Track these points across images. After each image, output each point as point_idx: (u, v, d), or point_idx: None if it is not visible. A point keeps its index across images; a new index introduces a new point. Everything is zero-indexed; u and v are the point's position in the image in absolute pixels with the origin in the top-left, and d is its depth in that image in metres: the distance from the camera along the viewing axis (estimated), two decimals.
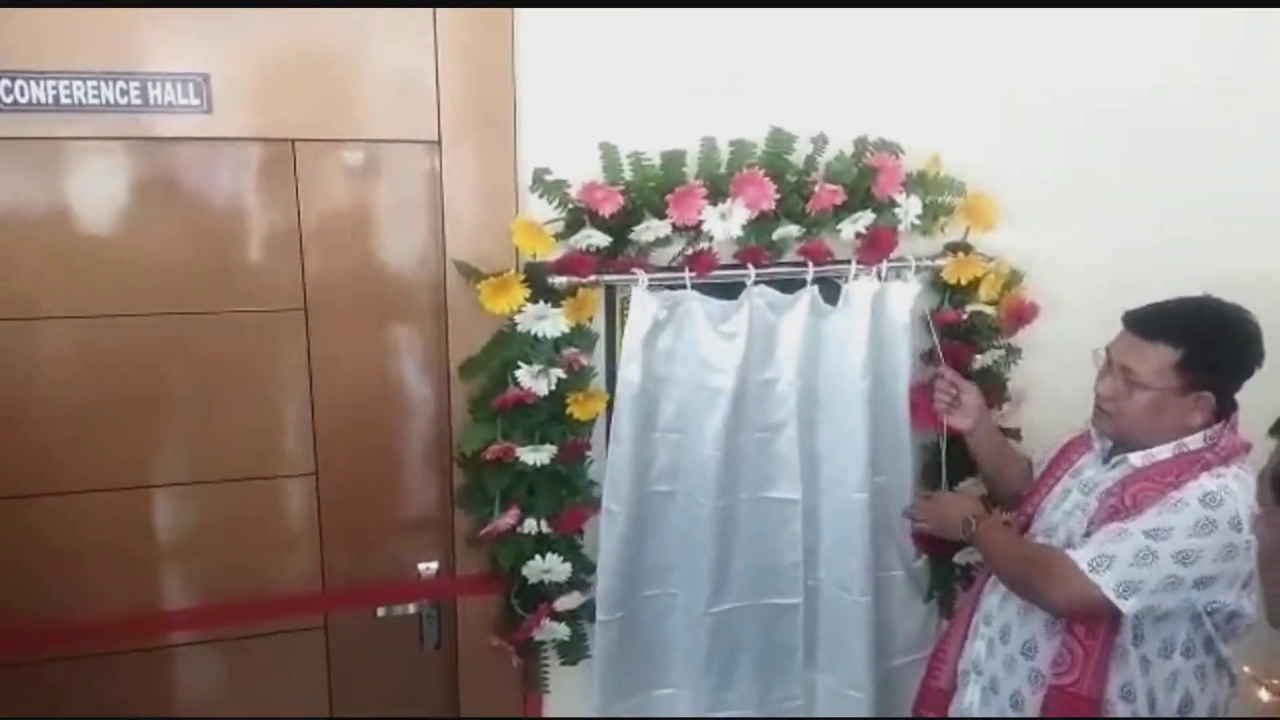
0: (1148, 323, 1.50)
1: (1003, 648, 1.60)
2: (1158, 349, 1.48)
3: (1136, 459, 1.53)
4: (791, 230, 1.73)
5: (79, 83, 1.44)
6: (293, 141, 1.60)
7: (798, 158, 1.74)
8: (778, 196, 1.69)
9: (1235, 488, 1.46)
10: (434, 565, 1.81)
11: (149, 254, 1.60)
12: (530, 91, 1.63)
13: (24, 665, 1.67)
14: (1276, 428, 1.97)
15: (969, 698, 1.66)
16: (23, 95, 1.42)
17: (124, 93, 1.46)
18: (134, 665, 1.74)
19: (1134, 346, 1.50)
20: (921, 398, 1.87)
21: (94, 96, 1.45)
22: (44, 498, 1.63)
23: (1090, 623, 1.48)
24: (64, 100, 1.44)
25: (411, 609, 1.81)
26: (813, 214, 1.73)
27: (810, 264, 1.75)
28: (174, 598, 1.73)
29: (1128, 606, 1.41)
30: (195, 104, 1.48)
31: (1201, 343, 1.47)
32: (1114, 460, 1.57)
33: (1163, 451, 1.51)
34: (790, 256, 1.78)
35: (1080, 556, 1.44)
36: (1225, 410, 1.52)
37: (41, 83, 1.43)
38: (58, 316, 1.58)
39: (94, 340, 1.60)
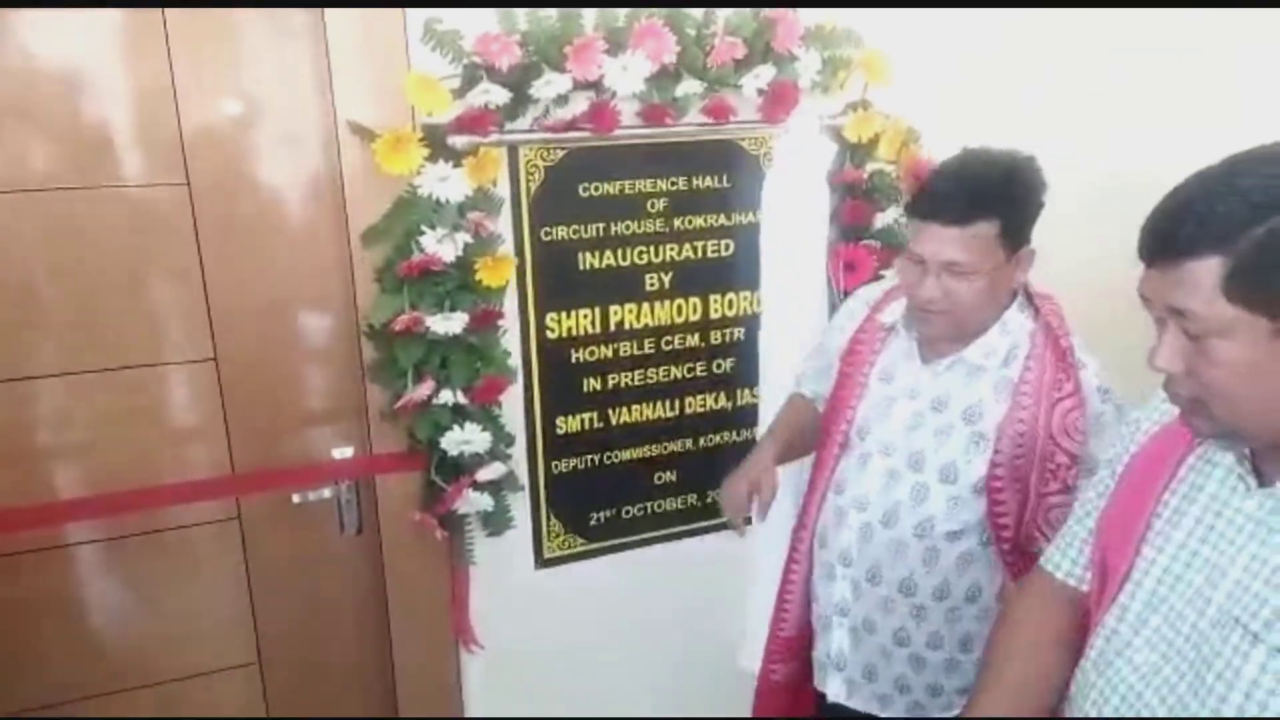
0: (950, 206, 1.33)
1: (873, 589, 1.49)
2: (976, 229, 1.32)
3: (975, 356, 1.42)
4: (694, 86, 1.71)
5: None
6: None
7: (696, 12, 1.71)
8: (678, 49, 1.67)
9: (1092, 363, 1.41)
10: (348, 450, 1.77)
11: (23, 129, 1.48)
12: None
13: None
14: None
15: (836, 643, 1.55)
16: None
17: None
18: (42, 564, 1.66)
19: (949, 238, 1.33)
20: (843, 257, 1.92)
21: None
22: None
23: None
24: None
25: (327, 493, 1.77)
26: (713, 69, 1.72)
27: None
28: (76, 492, 1.64)
29: None
30: None
31: (1012, 201, 1.34)
32: (947, 362, 1.44)
33: (996, 340, 1.41)
34: (693, 118, 1.77)
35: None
36: None
37: None
38: None
39: None
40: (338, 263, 1.67)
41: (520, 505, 1.86)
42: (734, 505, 1.58)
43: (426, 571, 1.83)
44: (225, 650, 1.82)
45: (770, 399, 1.88)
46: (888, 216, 1.96)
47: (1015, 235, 1.36)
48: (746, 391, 1.99)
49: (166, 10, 1.51)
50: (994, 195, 1.33)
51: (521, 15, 1.59)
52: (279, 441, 1.75)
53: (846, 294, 1.89)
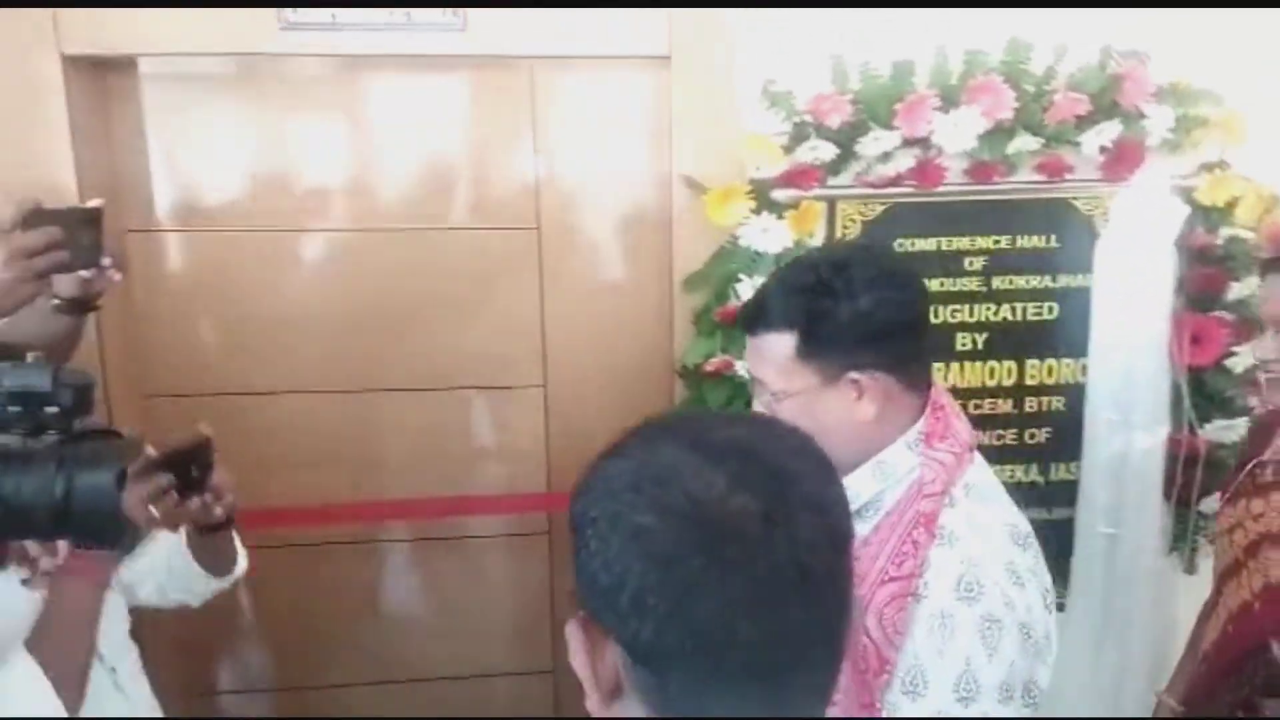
0: (746, 311, 1.09)
1: None
2: (764, 339, 1.03)
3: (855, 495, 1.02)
4: (1029, 143, 1.66)
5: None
6: (531, 59, 1.69)
7: (1036, 67, 1.66)
8: (1015, 105, 1.63)
9: (974, 546, 0.96)
10: None
11: (396, 173, 1.74)
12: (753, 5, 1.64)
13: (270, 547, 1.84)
14: None
15: None
16: (302, 16, 1.56)
17: (390, 13, 1.58)
18: (362, 556, 1.90)
19: (749, 349, 1.06)
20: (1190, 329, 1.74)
21: (363, 16, 1.58)
22: (289, 395, 1.80)
23: None
24: (339, 19, 1.57)
25: None
26: (1052, 125, 1.65)
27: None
28: (404, 493, 1.86)
29: None
30: (453, 22, 1.59)
31: (809, 311, 1.00)
32: None
33: (863, 483, 1.02)
34: (1024, 175, 1.71)
35: None
36: (914, 384, 1.03)
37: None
38: (316, 230, 1.75)
39: (344, 253, 1.76)
40: (660, 305, 1.78)
41: None
42: None
43: None
44: (523, 655, 1.96)
45: (1092, 477, 1.73)
46: (1244, 287, 1.76)
47: (823, 353, 1.00)
48: (1063, 466, 1.85)
49: (535, 64, 1.71)
50: (788, 303, 1.01)
51: (854, 73, 1.63)
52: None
53: (1190, 368, 1.71)
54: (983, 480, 1.04)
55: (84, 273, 1.17)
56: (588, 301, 1.82)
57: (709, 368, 1.69)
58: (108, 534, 0.94)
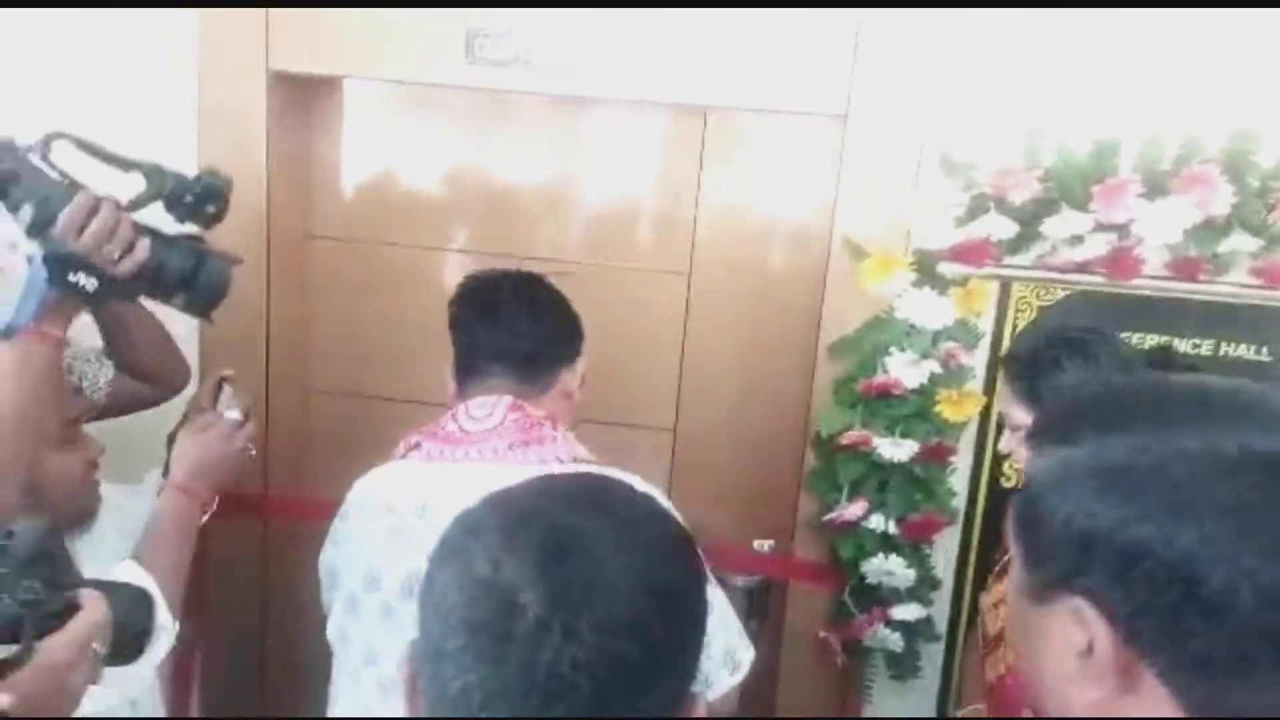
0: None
1: None
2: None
3: None
4: (1246, 243, 1.46)
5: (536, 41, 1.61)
6: (705, 109, 1.66)
7: (1264, 159, 1.46)
8: (1234, 200, 1.44)
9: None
10: (770, 542, 1.80)
11: (555, 204, 1.76)
12: (943, 67, 1.53)
13: None
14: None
15: None
16: (489, 52, 1.61)
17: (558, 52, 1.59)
18: None
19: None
20: None
21: (547, 58, 1.60)
22: (429, 406, 1.85)
23: None
24: (520, 56, 1.60)
25: (739, 580, 1.81)
26: (1276, 225, 1.45)
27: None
28: None
29: None
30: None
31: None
32: None
33: None
34: (1236, 276, 1.51)
35: None
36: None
37: (504, 39, 1.60)
38: (467, 250, 1.80)
39: None
40: (801, 366, 1.71)
41: (933, 656, 1.72)
42: None
43: (818, 682, 1.77)
44: None
45: None
46: None
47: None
48: None
49: (709, 114, 1.68)
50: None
51: (1047, 149, 1.49)
52: (709, 514, 1.83)
53: None
54: None
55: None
56: (729, 353, 1.77)
57: (844, 440, 1.60)
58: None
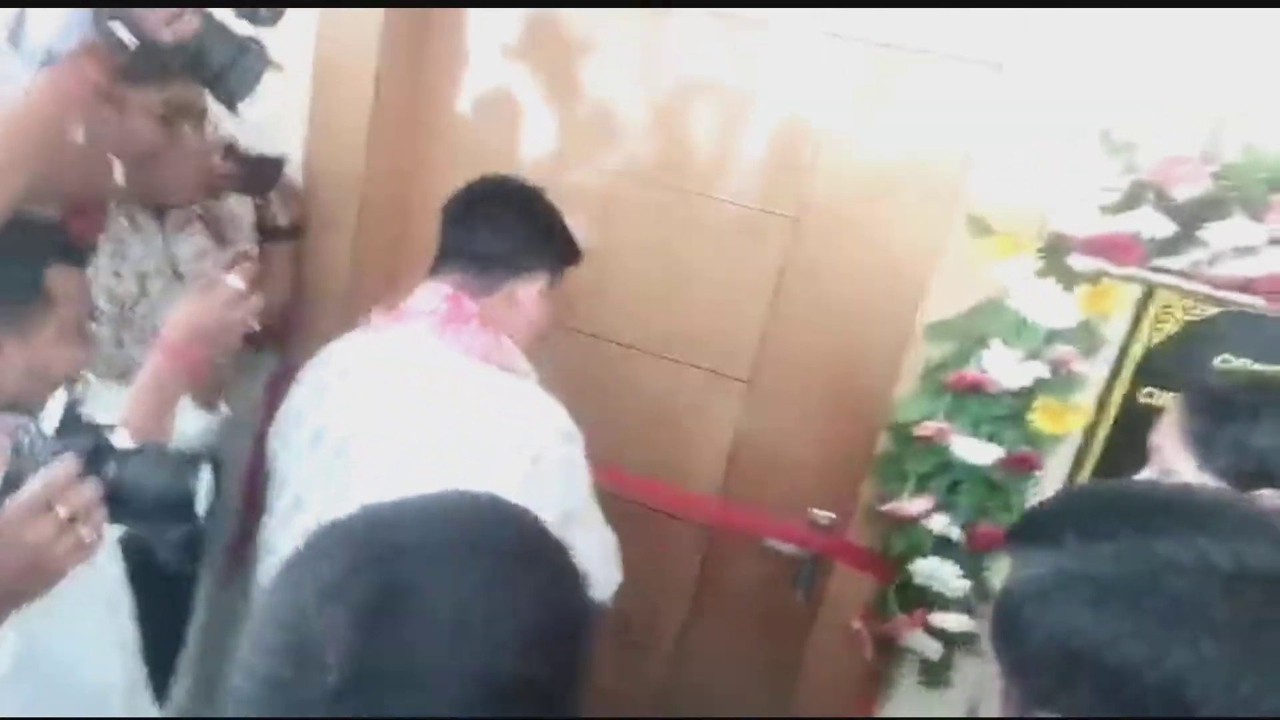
0: None
1: None
2: None
3: None
4: None
5: None
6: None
7: None
8: None
9: None
10: (831, 515, 1.70)
11: (682, 130, 1.65)
12: (1124, 28, 1.29)
13: None
14: None
15: None
16: None
17: None
18: None
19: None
20: None
21: None
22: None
23: None
24: None
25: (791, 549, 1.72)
26: None
27: None
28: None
29: None
30: None
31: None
32: None
33: None
34: None
35: None
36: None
37: None
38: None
39: (612, 199, 1.71)
40: (892, 341, 1.55)
41: (966, 669, 1.59)
42: None
43: (838, 667, 1.68)
44: None
45: None
46: None
47: None
48: None
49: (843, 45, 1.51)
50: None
51: (1231, 145, 1.25)
52: (769, 476, 1.74)
53: None
54: None
55: None
56: (819, 311, 1.63)
57: (921, 430, 1.46)
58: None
